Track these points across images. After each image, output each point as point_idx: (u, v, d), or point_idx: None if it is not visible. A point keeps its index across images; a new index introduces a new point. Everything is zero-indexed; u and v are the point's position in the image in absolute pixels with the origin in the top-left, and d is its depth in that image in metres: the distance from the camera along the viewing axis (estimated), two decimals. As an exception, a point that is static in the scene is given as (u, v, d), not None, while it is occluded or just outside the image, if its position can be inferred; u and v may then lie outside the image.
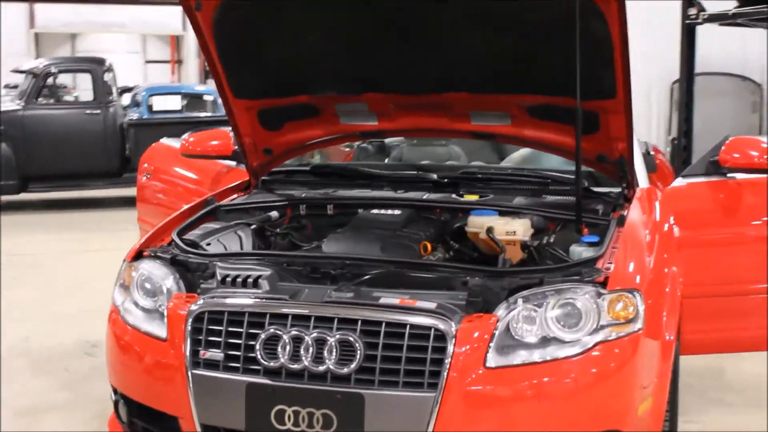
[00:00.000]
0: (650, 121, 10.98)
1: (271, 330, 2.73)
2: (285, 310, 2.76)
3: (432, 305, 2.70)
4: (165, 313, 2.95)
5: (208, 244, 3.31)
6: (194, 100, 12.08)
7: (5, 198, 11.04)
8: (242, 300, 2.85)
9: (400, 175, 3.97)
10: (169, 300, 2.97)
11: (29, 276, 7.30)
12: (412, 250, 3.24)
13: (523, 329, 2.70)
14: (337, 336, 2.68)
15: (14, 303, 6.31)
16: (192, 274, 3.08)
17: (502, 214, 3.38)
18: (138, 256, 3.24)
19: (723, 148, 3.88)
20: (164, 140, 5.87)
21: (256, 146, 3.92)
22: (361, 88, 3.66)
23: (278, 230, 3.65)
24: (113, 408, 3.18)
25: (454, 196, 3.67)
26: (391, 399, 2.62)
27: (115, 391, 3.14)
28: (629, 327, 2.71)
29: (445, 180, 3.80)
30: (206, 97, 12.11)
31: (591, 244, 3.12)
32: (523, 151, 4.37)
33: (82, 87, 14.07)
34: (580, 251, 3.12)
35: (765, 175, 3.82)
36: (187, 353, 2.81)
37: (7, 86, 15.22)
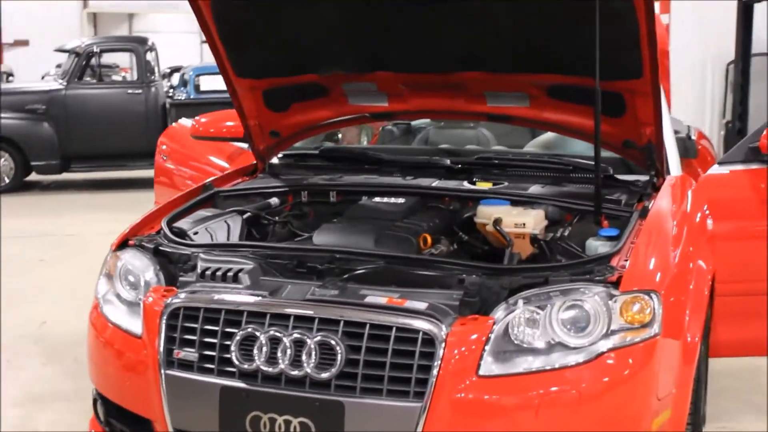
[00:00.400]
0: (704, 104, 10.63)
1: (248, 329, 2.52)
2: (262, 308, 2.54)
3: (422, 306, 2.46)
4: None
5: (196, 233, 3.10)
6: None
7: (47, 178, 11.03)
8: (218, 296, 2.63)
9: (411, 161, 3.71)
10: (147, 294, 2.77)
11: (70, 256, 7.24)
12: (410, 243, 2.96)
13: (524, 333, 2.46)
14: (317, 338, 2.46)
15: (45, 284, 6.24)
16: (174, 265, 2.88)
17: (514, 203, 3.13)
18: (124, 244, 3.05)
19: (765, 132, 3.60)
20: (183, 120, 5.70)
21: (263, 128, 3.73)
22: (371, 67, 3.43)
23: (277, 218, 3.43)
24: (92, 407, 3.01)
25: (466, 183, 3.41)
26: (373, 408, 2.39)
27: (95, 390, 2.96)
28: (644, 332, 2.45)
29: (459, 166, 3.54)
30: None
31: (610, 238, 2.86)
32: (548, 136, 4.06)
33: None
34: (596, 246, 2.86)
35: (810, 163, 3.54)
36: (161, 352, 2.61)
37: (58, 66, 15.26)
